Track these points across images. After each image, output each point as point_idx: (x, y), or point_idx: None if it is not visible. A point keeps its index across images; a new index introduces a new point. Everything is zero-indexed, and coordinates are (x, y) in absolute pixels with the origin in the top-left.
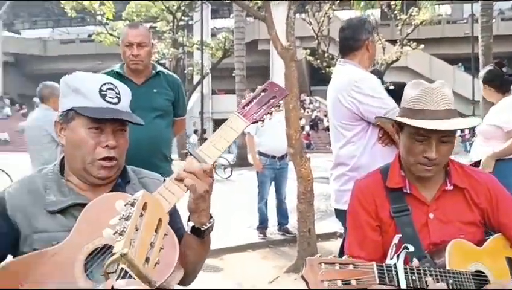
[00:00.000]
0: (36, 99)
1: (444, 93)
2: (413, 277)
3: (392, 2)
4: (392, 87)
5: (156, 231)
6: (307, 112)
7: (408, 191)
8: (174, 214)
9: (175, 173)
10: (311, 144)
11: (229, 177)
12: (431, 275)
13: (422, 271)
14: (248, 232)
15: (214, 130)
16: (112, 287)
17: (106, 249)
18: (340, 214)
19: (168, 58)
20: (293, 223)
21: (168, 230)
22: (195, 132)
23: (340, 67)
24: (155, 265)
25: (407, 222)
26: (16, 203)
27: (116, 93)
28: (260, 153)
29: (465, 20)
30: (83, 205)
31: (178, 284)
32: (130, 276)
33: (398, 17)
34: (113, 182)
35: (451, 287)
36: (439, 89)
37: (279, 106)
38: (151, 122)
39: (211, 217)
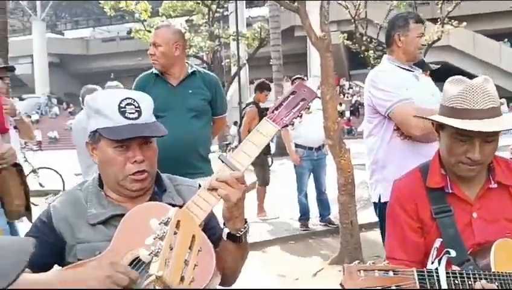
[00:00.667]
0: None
1: (487, 90)
2: (456, 281)
3: None
4: (436, 66)
5: (190, 247)
6: (347, 97)
7: (450, 191)
8: (211, 219)
9: (207, 182)
10: (353, 130)
11: (269, 167)
12: (475, 278)
13: (465, 274)
14: (290, 224)
15: None
16: None
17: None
18: (374, 206)
19: (205, 51)
20: (335, 214)
21: (203, 241)
22: (235, 123)
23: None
24: (190, 283)
25: (450, 223)
26: (61, 215)
27: (135, 107)
28: (296, 145)
29: None
30: (122, 216)
31: (220, 285)
32: None
33: None
34: (149, 191)
35: None
36: (483, 87)
37: (308, 108)
38: (187, 123)
39: (246, 221)
